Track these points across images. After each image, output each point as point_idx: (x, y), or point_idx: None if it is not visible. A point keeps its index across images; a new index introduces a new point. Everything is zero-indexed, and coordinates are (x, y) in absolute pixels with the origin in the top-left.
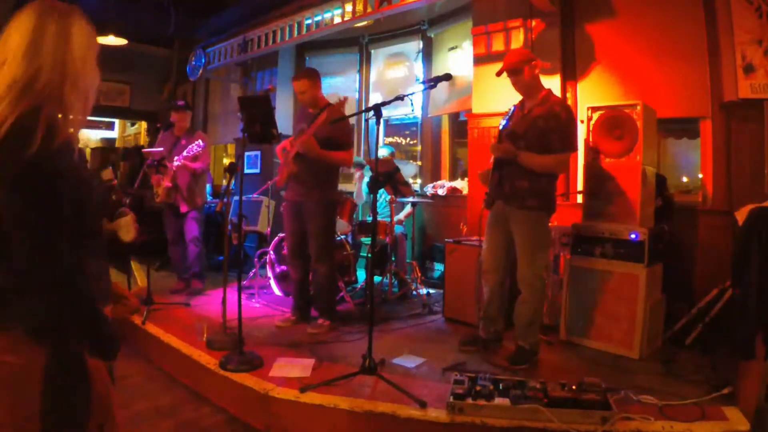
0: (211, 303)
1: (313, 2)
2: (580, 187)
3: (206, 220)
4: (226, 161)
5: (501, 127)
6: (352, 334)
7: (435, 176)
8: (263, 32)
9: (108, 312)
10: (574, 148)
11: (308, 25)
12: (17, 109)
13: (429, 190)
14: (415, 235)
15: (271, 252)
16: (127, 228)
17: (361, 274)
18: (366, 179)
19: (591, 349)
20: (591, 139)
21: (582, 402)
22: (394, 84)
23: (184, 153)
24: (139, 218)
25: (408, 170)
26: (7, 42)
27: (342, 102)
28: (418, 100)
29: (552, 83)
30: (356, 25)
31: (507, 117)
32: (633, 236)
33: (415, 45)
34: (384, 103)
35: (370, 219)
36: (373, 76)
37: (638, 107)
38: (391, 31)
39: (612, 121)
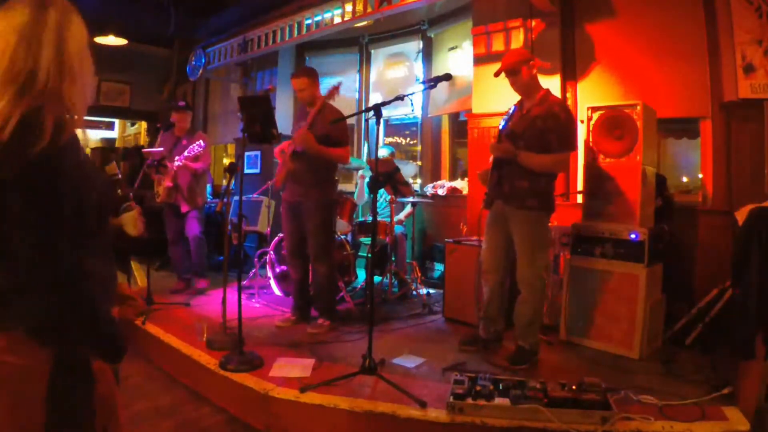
0: (211, 303)
1: (313, 2)
2: (580, 187)
3: (206, 219)
4: (226, 161)
5: (500, 127)
6: (352, 334)
7: (435, 176)
8: (263, 32)
9: (115, 313)
10: (573, 148)
11: (308, 25)
12: (19, 108)
13: (429, 190)
14: (415, 235)
15: (271, 252)
16: (133, 222)
17: (361, 274)
18: (366, 179)
19: (591, 349)
20: (591, 139)
21: (582, 402)
22: (394, 84)
23: (185, 153)
24: None
25: (408, 170)
26: None
27: (336, 88)
28: (418, 100)
29: (552, 83)
30: (356, 25)
31: (507, 117)
32: (633, 236)
33: (415, 45)
34: (384, 103)
35: (370, 219)
36: (373, 76)
37: (638, 107)
38: (391, 31)
39: (612, 121)
